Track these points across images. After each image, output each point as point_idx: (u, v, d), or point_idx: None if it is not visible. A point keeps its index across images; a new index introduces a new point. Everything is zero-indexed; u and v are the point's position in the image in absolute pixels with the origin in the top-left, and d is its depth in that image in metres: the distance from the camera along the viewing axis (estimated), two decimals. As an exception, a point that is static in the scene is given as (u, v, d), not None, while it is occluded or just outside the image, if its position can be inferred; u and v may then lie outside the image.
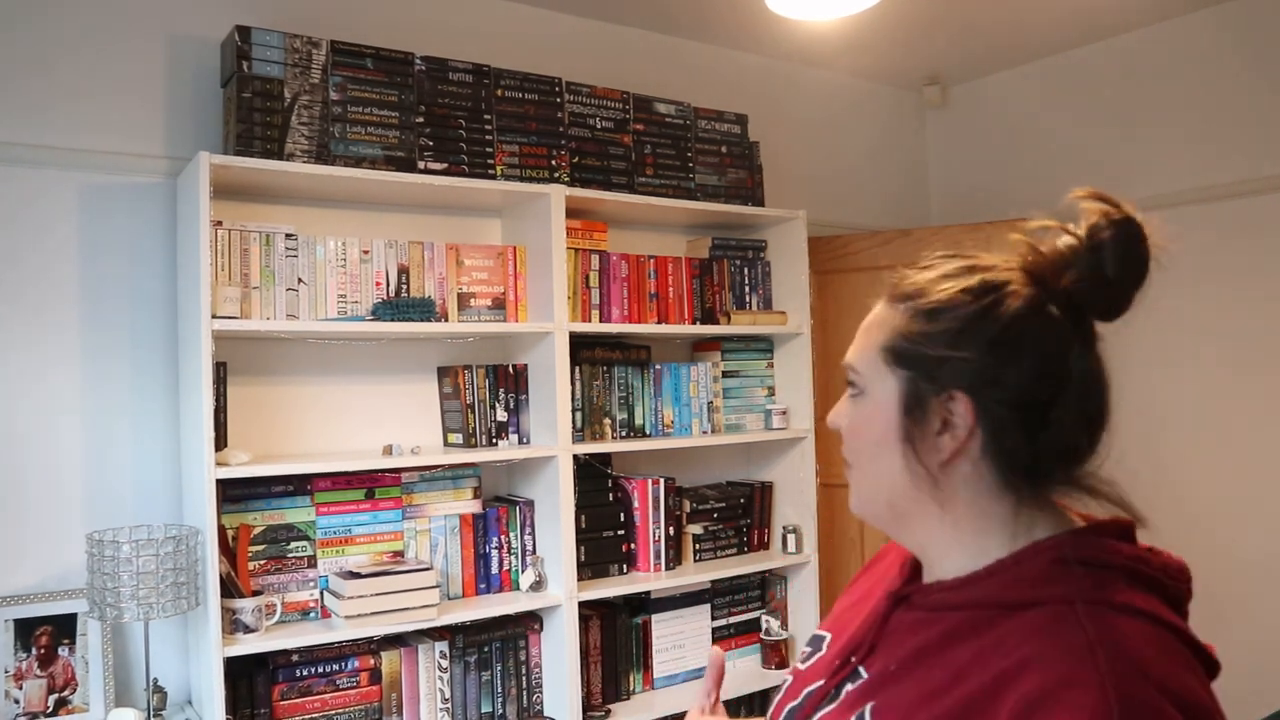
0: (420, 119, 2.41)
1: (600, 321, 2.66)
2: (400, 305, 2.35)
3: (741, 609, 2.96)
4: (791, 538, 2.93)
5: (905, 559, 0.94)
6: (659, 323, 2.78)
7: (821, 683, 0.89)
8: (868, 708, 0.80)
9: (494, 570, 2.52)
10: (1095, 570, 0.77)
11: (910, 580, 0.91)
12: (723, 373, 2.93)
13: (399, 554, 2.39)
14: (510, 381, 2.55)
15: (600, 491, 2.67)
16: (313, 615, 2.26)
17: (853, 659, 0.87)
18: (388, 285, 2.40)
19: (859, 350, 0.89)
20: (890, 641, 0.85)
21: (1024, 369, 0.81)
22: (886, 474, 0.85)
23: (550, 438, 2.50)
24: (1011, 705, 0.70)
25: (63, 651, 2.09)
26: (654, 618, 2.72)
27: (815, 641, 0.98)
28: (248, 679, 2.12)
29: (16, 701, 2.03)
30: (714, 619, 2.88)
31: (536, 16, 2.92)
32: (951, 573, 0.84)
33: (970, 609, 0.80)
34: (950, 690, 0.75)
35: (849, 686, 0.85)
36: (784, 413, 2.97)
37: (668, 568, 2.72)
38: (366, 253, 2.38)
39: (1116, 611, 0.74)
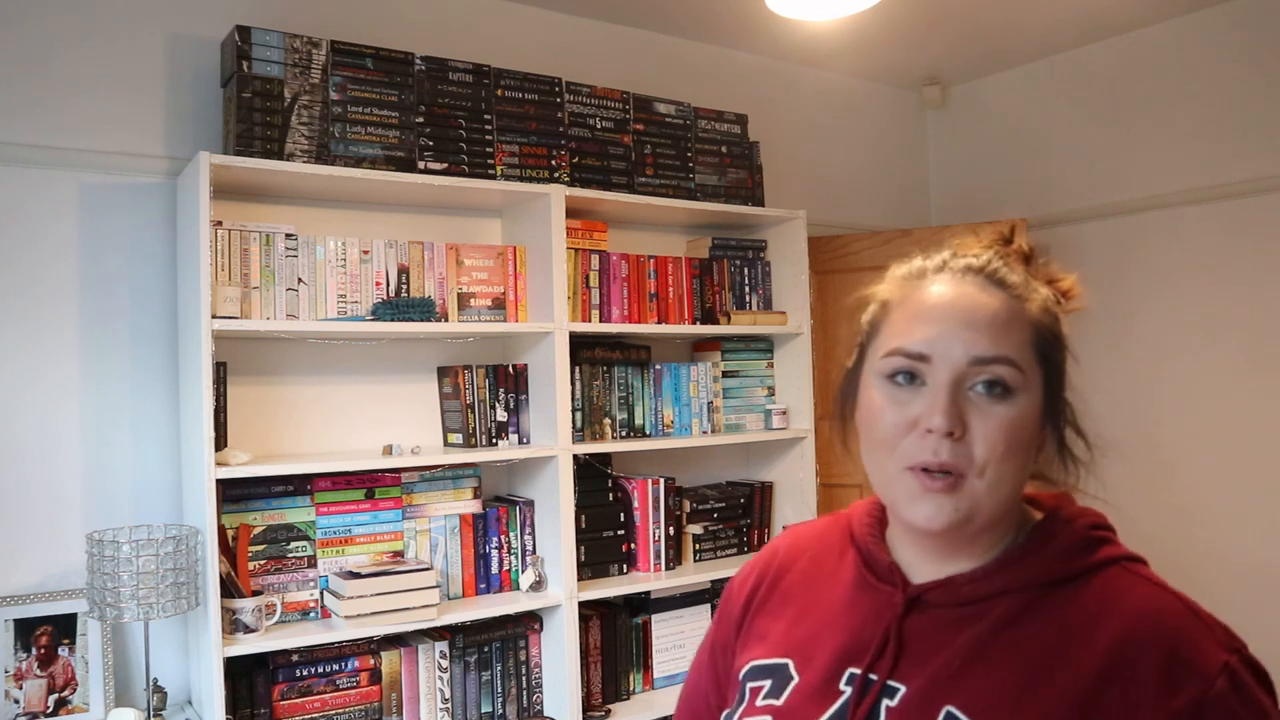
0: (420, 119, 2.41)
1: (600, 321, 2.66)
2: (400, 305, 2.35)
3: (741, 609, 2.95)
4: (791, 538, 2.92)
5: (849, 562, 0.91)
6: (659, 323, 2.78)
7: (832, 711, 0.82)
8: (944, 712, 0.77)
9: (494, 570, 2.52)
10: (1106, 534, 0.85)
11: (894, 580, 0.87)
12: (723, 373, 2.94)
13: (399, 554, 2.39)
14: (510, 381, 2.55)
15: (600, 491, 2.67)
16: (313, 615, 2.26)
17: (873, 675, 0.82)
18: (388, 285, 2.40)
19: (1012, 344, 0.80)
20: (920, 646, 0.81)
21: (1066, 360, 0.86)
22: (1014, 480, 0.80)
23: (550, 438, 2.50)
24: (1155, 664, 0.73)
25: (63, 651, 2.09)
26: (654, 618, 2.72)
27: (772, 672, 0.89)
28: (248, 679, 2.12)
29: (17, 702, 2.03)
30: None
31: (536, 16, 2.92)
32: (968, 565, 0.84)
33: (1013, 593, 0.81)
34: (1055, 667, 0.75)
35: (888, 703, 0.80)
36: (784, 413, 2.97)
37: (668, 568, 2.72)
38: (366, 253, 2.38)
39: (1145, 569, 0.83)
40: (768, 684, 0.88)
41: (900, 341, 0.83)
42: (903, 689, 0.80)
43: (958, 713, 0.76)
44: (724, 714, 0.92)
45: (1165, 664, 0.73)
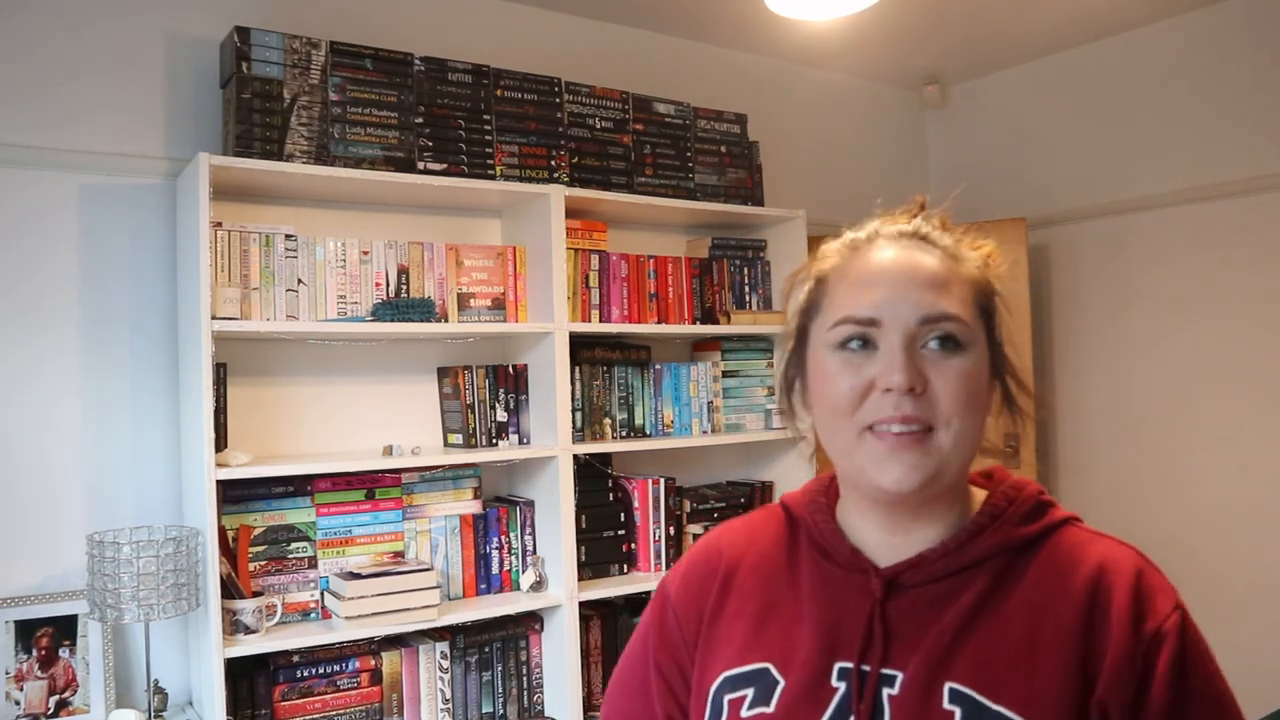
0: (420, 119, 2.41)
1: (600, 321, 2.66)
2: (400, 306, 2.35)
3: (742, 609, 2.95)
4: (792, 537, 2.92)
5: (804, 552, 0.90)
6: (659, 323, 2.78)
7: (832, 709, 0.80)
8: (947, 689, 0.77)
9: (494, 570, 2.52)
10: (1050, 498, 0.88)
11: (862, 565, 0.85)
12: (723, 372, 2.93)
13: (399, 554, 2.39)
14: (510, 382, 2.55)
15: (600, 491, 2.67)
16: (313, 616, 2.26)
17: (866, 667, 0.80)
18: (388, 286, 2.40)
19: (956, 300, 0.82)
20: (906, 629, 0.81)
21: (1001, 315, 0.88)
22: (976, 434, 0.82)
23: (550, 438, 2.50)
24: (1121, 602, 0.78)
25: (63, 653, 2.09)
26: (654, 618, 2.72)
27: (752, 680, 0.85)
28: (248, 680, 2.12)
29: (17, 703, 2.03)
30: (714, 619, 2.87)
31: (536, 16, 2.92)
32: (929, 535, 0.84)
33: (986, 562, 0.83)
34: (1042, 625, 0.78)
35: (889, 692, 0.79)
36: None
37: (668, 568, 2.72)
38: (366, 253, 2.38)
39: (1089, 526, 0.87)
40: (750, 693, 0.84)
41: (848, 310, 0.83)
42: (900, 675, 0.79)
43: (961, 688, 0.77)
44: None
45: (1133, 599, 0.78)
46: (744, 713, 0.83)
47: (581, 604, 2.50)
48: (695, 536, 2.84)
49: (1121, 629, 0.77)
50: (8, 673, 2.03)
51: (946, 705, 0.76)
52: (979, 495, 0.89)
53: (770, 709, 0.82)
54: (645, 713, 0.95)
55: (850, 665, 0.81)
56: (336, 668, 2.23)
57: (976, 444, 0.83)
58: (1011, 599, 0.81)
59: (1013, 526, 0.84)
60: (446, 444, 2.60)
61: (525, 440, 2.57)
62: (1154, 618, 0.77)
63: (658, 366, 2.78)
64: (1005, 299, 0.88)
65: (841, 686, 0.80)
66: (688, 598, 0.94)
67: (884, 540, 0.86)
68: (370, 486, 2.36)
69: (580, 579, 2.52)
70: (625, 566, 2.69)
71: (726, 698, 0.85)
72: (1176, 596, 0.80)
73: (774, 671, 0.84)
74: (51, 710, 2.06)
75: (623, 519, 2.68)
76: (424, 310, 2.37)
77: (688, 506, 2.84)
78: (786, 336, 0.92)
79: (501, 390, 2.53)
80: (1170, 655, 0.76)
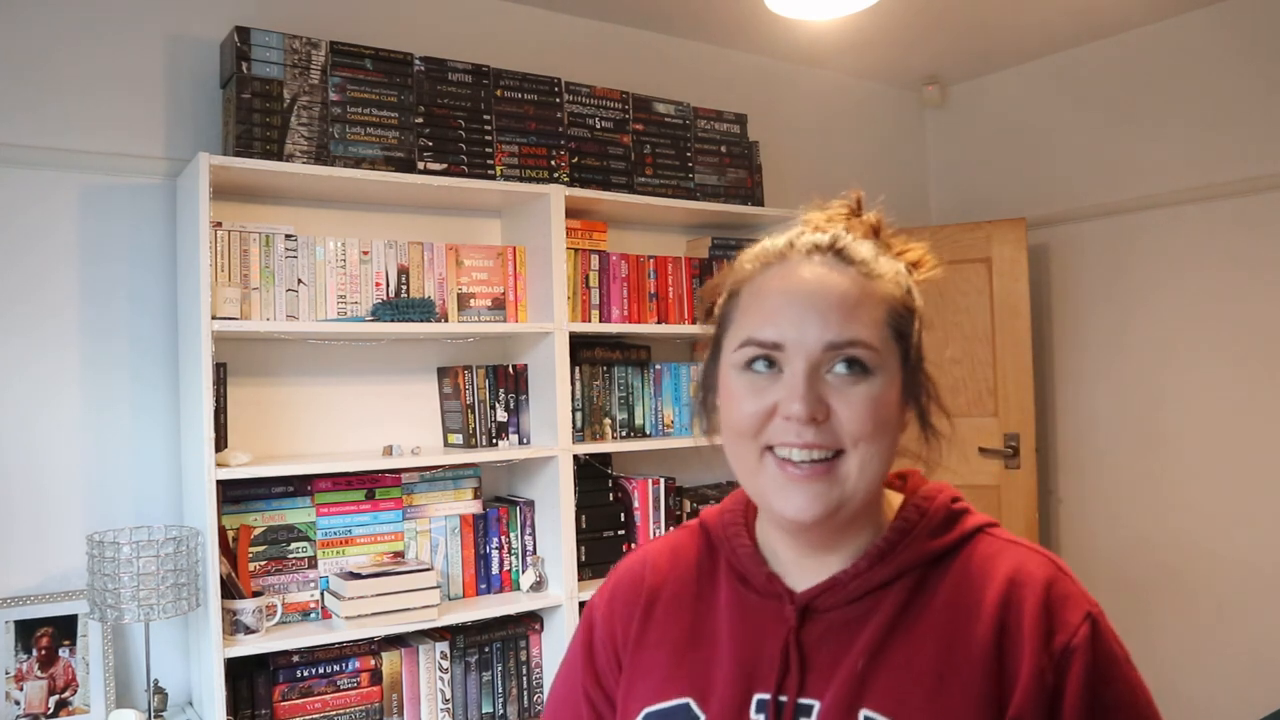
0: (420, 119, 2.41)
1: (600, 321, 2.66)
2: (400, 306, 2.35)
3: (742, 609, 2.95)
4: (792, 537, 2.92)
5: (722, 578, 0.88)
6: (659, 323, 2.78)
7: None
8: (862, 716, 0.76)
9: (494, 570, 2.52)
10: (964, 505, 0.86)
11: (777, 591, 0.84)
12: (723, 372, 2.93)
13: (399, 554, 2.39)
14: (510, 381, 2.55)
15: (600, 491, 2.67)
16: (313, 616, 2.26)
17: (783, 698, 0.79)
18: (388, 286, 2.40)
19: (865, 324, 0.78)
20: (821, 656, 0.80)
21: (920, 334, 0.85)
22: (884, 460, 0.80)
23: (550, 438, 2.50)
24: (1031, 617, 0.76)
25: (63, 653, 2.09)
26: (654, 618, 2.72)
27: (671, 716, 0.83)
28: (248, 680, 2.12)
29: (17, 703, 2.03)
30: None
31: (536, 16, 2.92)
32: (845, 557, 0.83)
33: (898, 580, 0.81)
34: (955, 644, 0.77)
35: None
36: (784, 412, 2.96)
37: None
38: (366, 253, 2.38)
39: (1003, 531, 0.86)
40: None
41: (751, 331, 0.80)
42: (816, 704, 0.78)
43: (876, 716, 0.76)
44: None
45: (1042, 613, 0.77)
46: None
47: (581, 604, 2.50)
48: (695, 536, 2.84)
49: (1031, 645, 0.75)
50: (8, 673, 2.03)
51: None
52: (894, 504, 0.87)
53: None
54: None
55: (768, 697, 0.80)
56: (336, 668, 2.23)
57: (884, 469, 0.80)
58: (923, 619, 0.79)
59: (924, 540, 0.82)
60: (446, 444, 2.60)
61: (525, 440, 2.57)
62: (1063, 631, 0.76)
63: (658, 366, 2.78)
64: (923, 316, 0.84)
65: (760, 719, 0.80)
66: (612, 623, 0.93)
67: (798, 561, 0.84)
68: (370, 486, 2.36)
69: (580, 579, 2.52)
70: (625, 566, 2.68)
71: None
72: (1088, 604, 0.78)
73: (694, 707, 0.82)
74: (51, 710, 2.06)
75: (623, 519, 2.68)
76: (424, 310, 2.37)
77: (688, 506, 2.84)
78: (703, 347, 0.89)
79: (501, 390, 2.53)
80: (1081, 670, 0.75)
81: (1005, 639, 0.76)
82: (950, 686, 0.75)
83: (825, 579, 0.82)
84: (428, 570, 2.29)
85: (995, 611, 0.77)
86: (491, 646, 2.46)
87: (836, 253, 0.82)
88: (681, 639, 0.87)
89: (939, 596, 0.80)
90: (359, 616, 2.17)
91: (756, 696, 0.80)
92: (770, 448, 0.79)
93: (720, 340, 0.86)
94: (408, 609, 2.23)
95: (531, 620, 2.53)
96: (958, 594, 0.79)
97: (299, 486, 2.27)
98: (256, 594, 2.15)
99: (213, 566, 2.01)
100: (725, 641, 0.84)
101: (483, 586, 2.50)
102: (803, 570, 0.84)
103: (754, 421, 0.79)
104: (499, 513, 2.53)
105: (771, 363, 0.79)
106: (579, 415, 2.58)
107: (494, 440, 2.51)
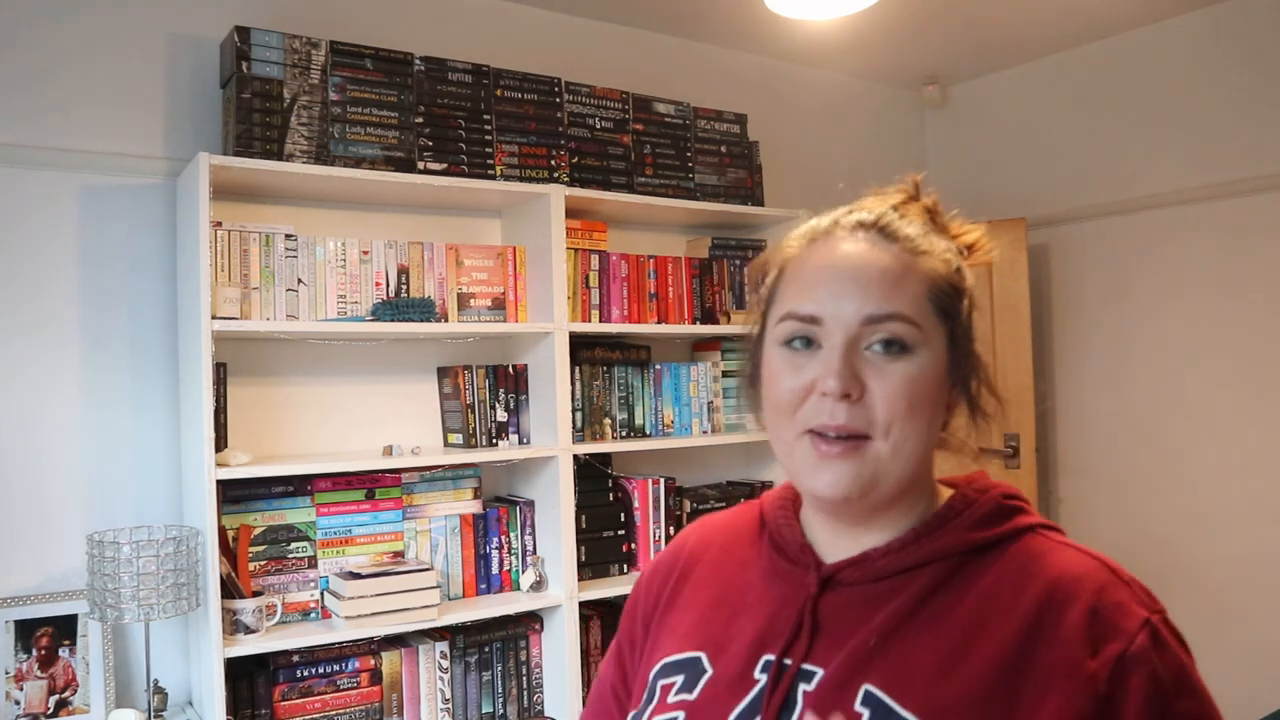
0: (420, 119, 2.41)
1: (600, 321, 2.66)
2: (400, 305, 2.35)
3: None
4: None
5: (762, 547, 0.89)
6: (659, 323, 2.78)
7: (747, 701, 0.79)
8: (862, 691, 0.75)
9: (494, 570, 2.52)
10: (1020, 504, 0.84)
11: (806, 560, 0.84)
12: (722, 372, 2.93)
13: (399, 554, 2.39)
14: (510, 381, 2.55)
15: (600, 491, 2.67)
16: (313, 616, 2.26)
17: (788, 660, 0.79)
18: (388, 285, 2.40)
19: (906, 299, 0.77)
20: (835, 626, 0.79)
21: (970, 314, 0.83)
22: (920, 442, 0.78)
23: (550, 438, 2.50)
24: (1075, 623, 0.73)
25: (63, 653, 2.09)
26: (654, 618, 2.72)
27: (684, 667, 0.85)
28: (248, 679, 2.12)
29: (17, 703, 2.03)
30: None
31: (536, 16, 2.92)
32: (881, 539, 0.82)
33: (930, 565, 0.79)
34: (976, 637, 0.75)
35: (805, 687, 0.77)
36: (784, 412, 2.96)
37: (668, 568, 2.72)
38: (366, 253, 2.38)
39: (1062, 535, 0.82)
40: (679, 679, 0.84)
41: (792, 305, 0.81)
42: (820, 672, 0.78)
43: (876, 691, 0.74)
44: (630, 715, 0.87)
45: (1087, 623, 0.73)
46: (670, 698, 0.83)
47: (581, 604, 2.50)
48: (695, 536, 2.84)
49: (1070, 653, 0.72)
50: (8, 672, 2.03)
51: (858, 706, 0.74)
52: (946, 496, 0.86)
53: (692, 696, 0.82)
54: (605, 684, 0.97)
55: (773, 658, 0.80)
56: (336, 667, 2.23)
57: (922, 452, 0.79)
58: (951, 607, 0.77)
59: (965, 530, 0.80)
60: (446, 444, 2.60)
61: (525, 440, 2.57)
62: (1118, 638, 0.72)
63: (658, 366, 2.78)
64: (974, 295, 0.83)
65: (763, 679, 0.80)
66: (650, 585, 0.96)
67: (832, 540, 0.85)
68: (370, 486, 2.36)
69: (580, 579, 2.52)
70: (625, 566, 2.69)
71: (660, 682, 0.85)
72: (1146, 612, 0.74)
73: (705, 661, 0.84)
74: (51, 710, 2.06)
75: (623, 519, 2.69)
76: (424, 310, 2.37)
77: (688, 506, 2.84)
78: (752, 324, 0.89)
79: (501, 390, 2.53)
80: (1143, 682, 0.71)
81: (1038, 642, 0.73)
82: (956, 675, 0.73)
83: (856, 554, 0.82)
84: (428, 570, 2.29)
85: (1031, 612, 0.75)
86: (491, 646, 2.46)
87: (880, 230, 0.81)
88: (712, 600, 0.89)
89: (975, 588, 0.78)
90: (359, 616, 2.17)
91: (764, 657, 0.81)
92: (808, 430, 0.79)
93: (765, 317, 0.86)
94: (407, 609, 2.23)
95: (531, 620, 2.53)
96: (995, 589, 0.77)
97: (299, 486, 2.27)
98: (256, 594, 2.15)
99: (213, 566, 2.01)
100: (752, 604, 0.85)
101: (483, 586, 2.50)
102: (837, 546, 0.84)
103: (792, 398, 0.79)
104: (499, 513, 2.53)
105: (810, 341, 0.80)
106: (579, 415, 2.58)
107: (494, 440, 2.51)
